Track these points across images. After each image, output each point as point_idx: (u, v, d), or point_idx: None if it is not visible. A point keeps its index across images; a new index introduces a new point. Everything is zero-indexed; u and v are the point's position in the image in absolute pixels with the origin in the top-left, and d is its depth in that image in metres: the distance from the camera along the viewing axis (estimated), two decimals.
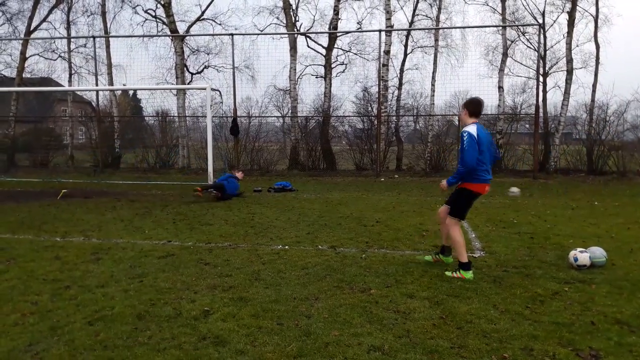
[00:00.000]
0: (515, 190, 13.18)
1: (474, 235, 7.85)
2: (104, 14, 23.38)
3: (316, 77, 23.48)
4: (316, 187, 15.26)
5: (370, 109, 21.77)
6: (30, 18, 23.23)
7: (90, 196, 12.50)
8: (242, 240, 7.53)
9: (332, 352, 3.65)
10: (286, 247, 7.06)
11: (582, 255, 5.87)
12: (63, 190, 12.54)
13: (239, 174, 13.14)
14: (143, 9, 23.84)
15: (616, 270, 5.84)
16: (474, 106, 5.77)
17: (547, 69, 22.18)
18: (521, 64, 22.53)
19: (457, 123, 21.03)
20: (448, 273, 5.60)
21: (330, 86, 21.90)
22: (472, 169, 5.49)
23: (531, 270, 5.81)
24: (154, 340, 3.84)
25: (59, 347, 3.73)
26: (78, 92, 29.00)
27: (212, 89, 15.98)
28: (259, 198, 12.51)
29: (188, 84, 23.12)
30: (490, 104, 20.93)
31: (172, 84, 22.90)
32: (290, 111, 22.05)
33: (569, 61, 20.20)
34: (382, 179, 17.79)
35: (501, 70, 20.79)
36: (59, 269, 5.84)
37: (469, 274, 5.47)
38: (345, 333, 3.98)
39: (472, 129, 5.54)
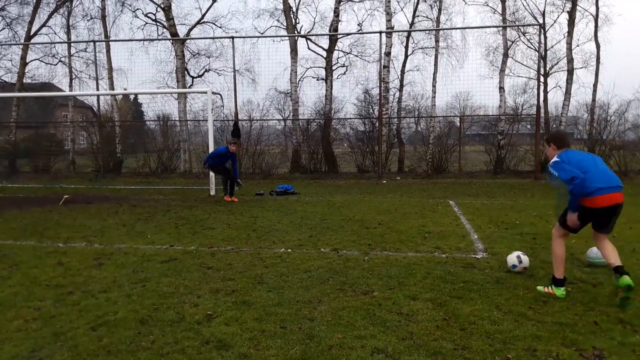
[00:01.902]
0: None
1: (476, 237, 7.85)
2: (104, 18, 23.46)
3: (317, 80, 23.56)
4: (318, 190, 15.26)
5: (371, 110, 21.79)
6: (30, 23, 23.29)
7: (92, 201, 12.51)
8: (245, 243, 7.54)
9: (336, 355, 3.64)
10: (289, 250, 7.06)
11: (524, 258, 5.85)
12: (65, 196, 12.57)
13: (232, 147, 12.78)
14: (143, 13, 23.99)
15: None
16: (558, 140, 5.17)
17: (547, 69, 22.24)
18: (522, 64, 22.63)
19: (458, 124, 21.06)
20: (539, 288, 5.10)
21: (331, 88, 21.93)
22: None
23: (534, 271, 5.80)
24: (157, 345, 3.84)
25: (63, 353, 3.73)
26: (79, 97, 29.03)
27: (213, 93, 15.99)
28: (261, 201, 12.51)
29: (189, 87, 23.18)
30: (491, 104, 21.02)
31: (173, 87, 22.95)
32: (291, 114, 22.08)
33: (570, 61, 20.22)
34: (384, 181, 17.79)
35: (502, 70, 20.81)
36: (61, 275, 5.85)
37: (560, 291, 4.96)
38: (348, 336, 3.98)
39: (555, 157, 5.01)
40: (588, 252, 6.10)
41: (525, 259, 5.83)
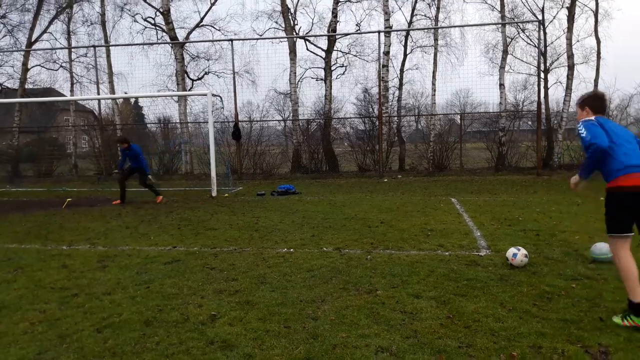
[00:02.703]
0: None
1: (479, 234, 7.84)
2: (103, 24, 23.49)
3: (316, 80, 23.58)
4: (319, 189, 15.26)
5: (371, 110, 21.80)
6: (31, 29, 23.34)
7: (94, 204, 12.54)
8: (247, 244, 7.54)
9: (340, 354, 3.64)
10: (291, 250, 7.07)
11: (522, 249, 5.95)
12: (68, 199, 12.59)
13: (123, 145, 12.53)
14: (142, 17, 24.03)
15: None
16: (593, 100, 4.46)
17: (548, 65, 22.18)
18: (522, 60, 22.60)
19: (458, 122, 21.05)
20: (617, 320, 4.05)
21: (331, 88, 21.94)
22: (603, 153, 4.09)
23: (538, 268, 5.80)
24: (162, 346, 3.85)
25: (68, 355, 3.74)
26: (80, 102, 29.07)
27: (213, 95, 16.01)
28: (262, 202, 12.52)
29: (189, 90, 23.20)
30: (492, 101, 20.97)
31: (173, 90, 22.98)
32: (291, 114, 22.08)
33: (570, 57, 20.18)
34: (385, 180, 17.78)
35: (502, 67, 20.77)
36: (66, 277, 5.86)
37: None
38: (352, 335, 3.98)
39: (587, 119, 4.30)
40: (592, 248, 6.09)
41: (523, 249, 5.89)
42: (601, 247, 5.98)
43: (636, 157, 4.10)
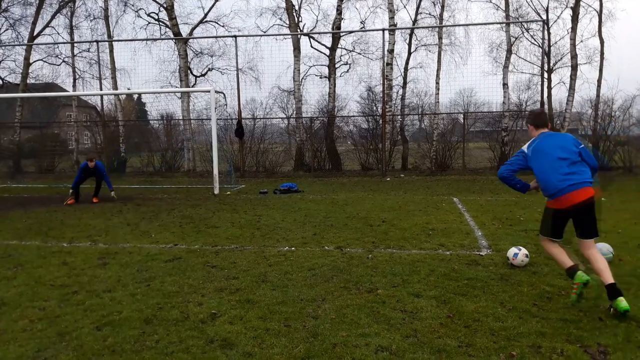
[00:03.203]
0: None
1: (480, 234, 7.83)
2: (106, 18, 23.48)
3: (320, 78, 23.55)
4: (322, 187, 15.26)
5: (374, 108, 21.77)
6: (34, 24, 23.32)
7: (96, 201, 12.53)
8: (249, 242, 7.54)
9: (340, 353, 3.64)
10: (293, 248, 7.07)
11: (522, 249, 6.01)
12: (69, 196, 12.58)
13: (90, 163, 12.48)
14: (146, 13, 23.97)
15: (623, 266, 5.81)
16: (533, 118, 5.16)
17: (551, 65, 22.15)
18: (525, 60, 22.59)
19: (461, 121, 21.02)
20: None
21: (335, 86, 21.92)
22: (504, 179, 5.04)
23: (538, 268, 5.79)
24: (162, 344, 3.85)
25: (68, 353, 3.74)
26: (82, 97, 29.09)
27: (216, 92, 16.02)
28: (264, 200, 12.52)
29: (192, 86, 23.20)
30: (495, 101, 20.94)
31: (176, 87, 22.99)
32: (294, 112, 22.07)
33: (574, 57, 20.14)
34: (388, 179, 17.77)
35: (505, 67, 20.74)
36: (66, 275, 5.87)
37: (578, 278, 4.58)
38: (352, 334, 3.98)
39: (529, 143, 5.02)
40: None
41: (524, 249, 5.89)
42: (601, 248, 5.96)
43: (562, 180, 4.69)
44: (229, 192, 14.03)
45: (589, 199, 4.69)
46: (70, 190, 12.40)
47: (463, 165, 19.84)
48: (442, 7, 22.23)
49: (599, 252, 5.81)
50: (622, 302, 4.20)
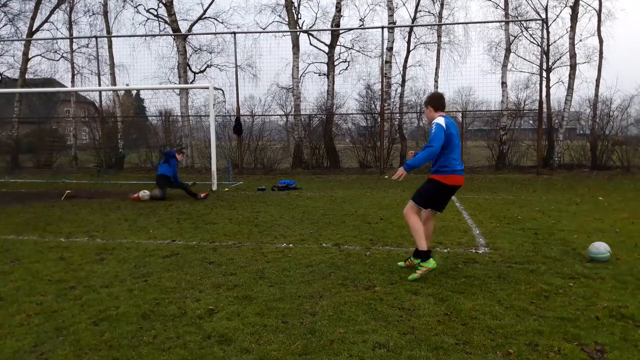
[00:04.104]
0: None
1: (478, 232, 7.84)
2: (105, 14, 23.39)
3: (319, 75, 23.57)
4: (320, 185, 15.26)
5: (373, 106, 21.76)
6: (32, 19, 23.27)
7: (94, 196, 12.54)
8: (247, 238, 7.54)
9: (337, 349, 3.64)
10: (290, 245, 7.07)
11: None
12: (67, 191, 12.59)
13: (179, 156, 12.53)
14: (145, 8, 23.92)
15: (621, 265, 5.82)
16: (435, 100, 5.71)
17: (550, 64, 22.14)
18: (524, 59, 22.57)
19: (460, 119, 21.02)
20: (400, 264, 5.77)
21: (333, 84, 21.90)
22: (436, 155, 5.44)
23: (535, 266, 5.80)
24: (159, 340, 3.85)
25: (65, 348, 3.74)
26: (81, 93, 29.06)
27: (215, 88, 16.01)
28: (263, 197, 12.52)
29: (191, 83, 23.16)
30: (494, 99, 21.00)
31: (175, 83, 22.96)
32: (293, 109, 22.06)
33: (572, 56, 20.14)
34: (386, 177, 17.77)
35: (504, 66, 20.72)
36: (63, 270, 5.86)
37: (431, 263, 5.31)
38: (350, 330, 3.98)
39: (440, 120, 5.45)
40: (590, 247, 6.09)
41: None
42: (598, 247, 5.98)
43: (460, 164, 5.57)
44: (227, 189, 14.02)
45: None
46: (190, 183, 12.57)
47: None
48: (442, 5, 22.24)
49: (597, 250, 5.92)
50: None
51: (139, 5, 23.89)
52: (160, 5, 23.00)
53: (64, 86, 25.99)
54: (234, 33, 19.90)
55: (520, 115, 21.27)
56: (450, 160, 5.47)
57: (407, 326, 4.06)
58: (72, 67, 23.68)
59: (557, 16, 22.21)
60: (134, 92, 39.56)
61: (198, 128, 23.25)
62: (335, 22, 21.76)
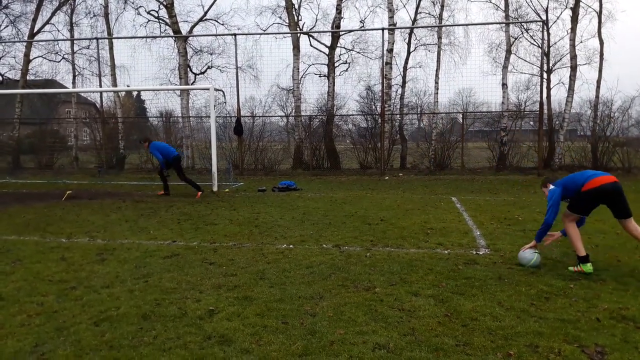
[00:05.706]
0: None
1: (478, 233, 7.84)
2: (106, 16, 23.41)
3: (319, 76, 23.54)
4: (320, 186, 15.26)
5: (373, 107, 21.77)
6: (34, 20, 23.26)
7: (95, 197, 12.54)
8: (247, 239, 7.55)
9: (337, 350, 3.65)
10: (291, 246, 7.07)
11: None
12: (68, 192, 12.59)
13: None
14: (146, 10, 23.90)
15: (622, 266, 5.83)
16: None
17: (550, 65, 22.13)
18: (525, 60, 22.54)
19: (460, 121, 21.02)
20: (571, 268, 5.71)
21: (334, 85, 21.90)
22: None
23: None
24: (160, 340, 3.85)
25: (65, 348, 3.74)
26: (82, 94, 29.06)
27: (216, 89, 16.02)
28: (263, 197, 12.52)
29: (191, 84, 23.16)
30: (494, 101, 20.95)
31: (176, 84, 22.96)
32: (293, 110, 22.04)
33: (573, 57, 20.13)
34: (387, 178, 17.77)
35: (505, 67, 20.71)
36: (64, 270, 5.87)
37: (587, 267, 5.53)
38: (350, 331, 3.99)
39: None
40: (520, 261, 5.97)
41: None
42: (523, 256, 5.89)
43: None
44: (227, 190, 14.02)
45: None
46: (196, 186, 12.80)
47: (462, 164, 19.85)
48: (442, 6, 22.19)
49: (526, 259, 5.90)
50: None
51: (140, 7, 23.90)
52: (161, 7, 23.01)
53: (65, 87, 26.02)
54: (235, 35, 19.90)
55: (520, 116, 21.27)
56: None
57: (408, 327, 4.06)
58: (73, 69, 23.70)
59: (558, 18, 22.21)
60: (134, 93, 39.55)
61: (199, 129, 23.25)
62: (336, 23, 21.76)
